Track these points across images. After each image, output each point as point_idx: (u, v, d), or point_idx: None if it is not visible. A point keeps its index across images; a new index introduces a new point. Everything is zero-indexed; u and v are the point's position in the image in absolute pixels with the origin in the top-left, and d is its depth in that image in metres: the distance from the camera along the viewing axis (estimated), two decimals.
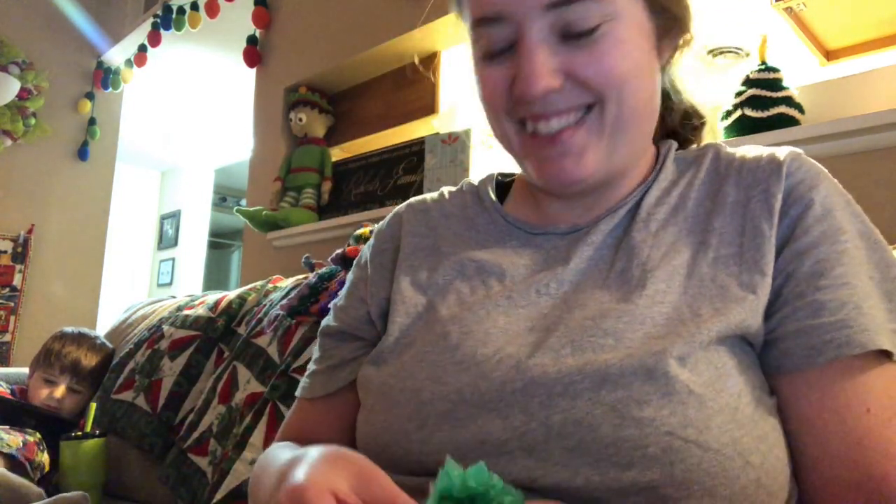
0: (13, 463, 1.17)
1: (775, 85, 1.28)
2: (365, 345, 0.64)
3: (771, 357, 0.49)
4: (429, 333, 0.55)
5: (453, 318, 0.54)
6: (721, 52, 1.57)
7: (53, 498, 0.98)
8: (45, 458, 1.25)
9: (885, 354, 0.46)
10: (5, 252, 3.32)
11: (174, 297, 1.75)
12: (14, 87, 3.20)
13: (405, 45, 2.05)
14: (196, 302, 1.54)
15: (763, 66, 1.31)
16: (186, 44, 3.30)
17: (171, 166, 5.78)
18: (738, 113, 1.29)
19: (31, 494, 1.04)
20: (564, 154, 0.54)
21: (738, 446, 0.43)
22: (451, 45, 1.97)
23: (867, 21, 1.30)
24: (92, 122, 3.62)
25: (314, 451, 0.42)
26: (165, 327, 1.47)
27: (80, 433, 1.26)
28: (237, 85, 3.70)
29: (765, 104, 1.26)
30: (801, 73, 1.37)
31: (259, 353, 1.19)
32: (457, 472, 0.37)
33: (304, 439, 0.61)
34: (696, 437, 0.43)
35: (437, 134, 1.89)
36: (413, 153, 1.97)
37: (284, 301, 1.20)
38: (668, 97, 0.64)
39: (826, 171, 0.54)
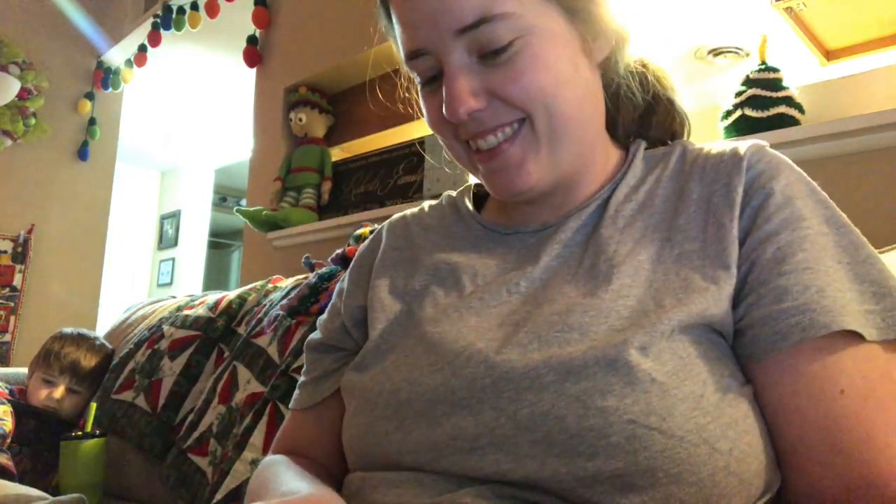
0: None
1: (775, 85, 1.28)
2: (346, 355, 0.66)
3: (742, 346, 0.49)
4: (408, 338, 0.57)
5: (429, 320, 0.56)
6: (721, 52, 1.57)
7: (50, 501, 0.98)
8: (8, 424, 1.24)
9: (856, 336, 0.46)
10: (5, 252, 3.32)
11: (174, 297, 1.75)
12: (14, 87, 3.20)
13: None
14: (196, 302, 1.54)
15: (763, 66, 1.31)
16: (186, 44, 3.29)
17: (171, 166, 5.78)
18: (738, 113, 1.29)
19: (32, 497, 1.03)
20: (506, 166, 0.56)
21: (703, 433, 0.44)
22: None
23: (867, 21, 1.30)
24: (92, 122, 3.62)
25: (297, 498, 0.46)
26: (165, 327, 1.47)
27: (80, 433, 1.25)
28: (237, 85, 3.70)
29: (765, 104, 1.26)
30: (801, 73, 1.37)
31: (259, 353, 1.19)
32: None
33: (298, 448, 0.66)
34: (658, 425, 0.43)
35: None
36: (413, 153, 1.97)
37: (284, 301, 1.20)
38: (617, 97, 0.64)
39: (790, 161, 0.55)
